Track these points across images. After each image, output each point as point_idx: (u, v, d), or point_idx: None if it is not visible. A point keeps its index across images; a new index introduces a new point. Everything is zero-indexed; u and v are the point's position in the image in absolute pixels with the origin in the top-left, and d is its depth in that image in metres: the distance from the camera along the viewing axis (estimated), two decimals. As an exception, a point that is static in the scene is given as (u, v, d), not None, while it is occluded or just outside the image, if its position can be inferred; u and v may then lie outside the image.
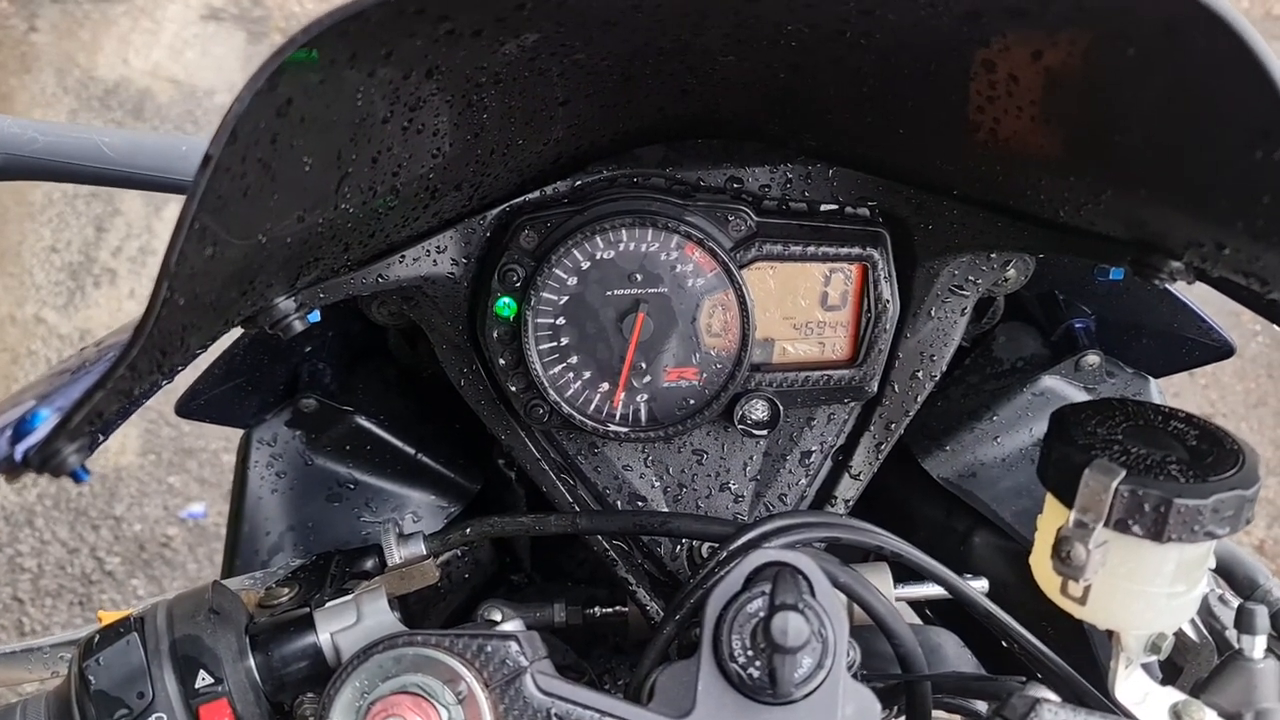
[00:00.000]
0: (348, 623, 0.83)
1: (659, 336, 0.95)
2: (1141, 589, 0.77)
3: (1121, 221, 0.77)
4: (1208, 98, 0.56)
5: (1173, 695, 0.81)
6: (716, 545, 0.90)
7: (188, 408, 1.11)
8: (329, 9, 0.51)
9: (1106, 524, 0.75)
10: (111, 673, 0.77)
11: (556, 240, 0.92)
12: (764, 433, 1.00)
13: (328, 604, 0.85)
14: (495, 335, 0.95)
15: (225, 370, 1.09)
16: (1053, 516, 0.80)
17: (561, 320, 0.94)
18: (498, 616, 1.01)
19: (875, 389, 1.01)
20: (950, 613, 1.21)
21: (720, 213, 0.94)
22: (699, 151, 0.97)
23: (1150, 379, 1.20)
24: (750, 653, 0.70)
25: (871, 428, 1.03)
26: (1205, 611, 0.96)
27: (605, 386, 0.97)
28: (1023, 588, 0.93)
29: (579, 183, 0.95)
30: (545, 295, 0.93)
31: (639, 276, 0.93)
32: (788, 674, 0.69)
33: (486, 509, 1.21)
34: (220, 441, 3.37)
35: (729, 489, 1.04)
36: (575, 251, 0.92)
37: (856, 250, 0.95)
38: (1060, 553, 0.76)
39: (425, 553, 0.95)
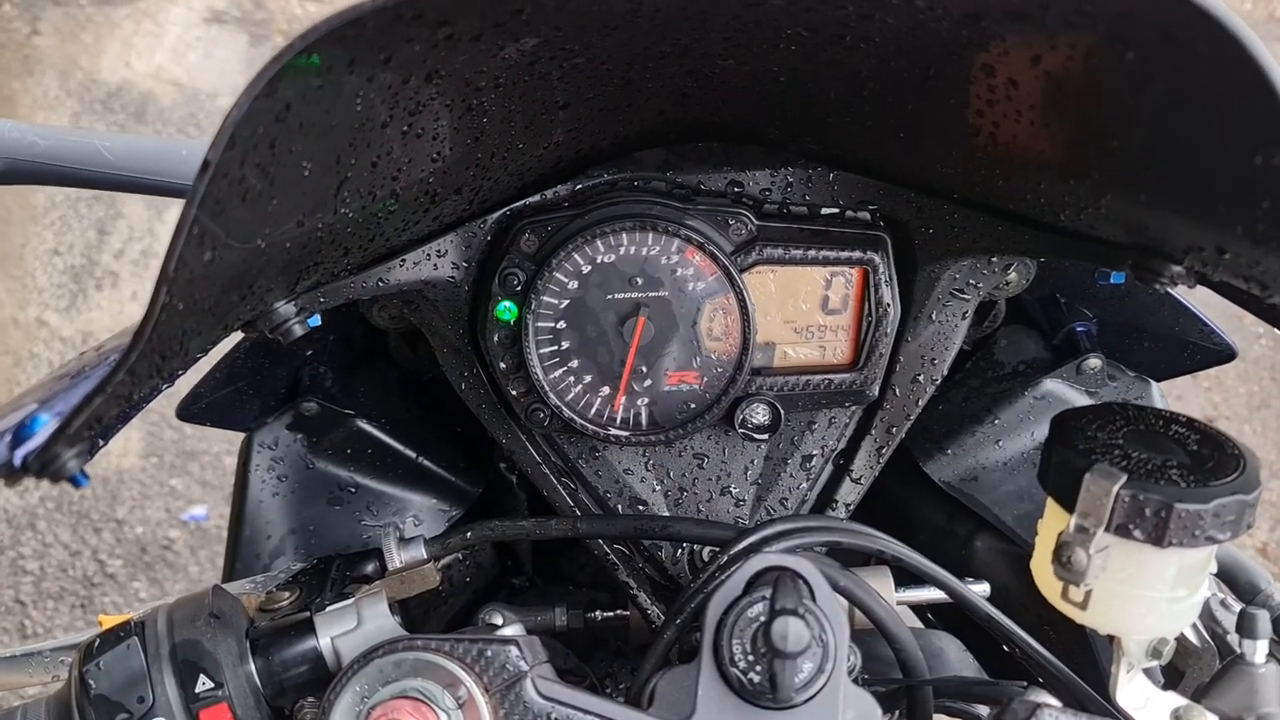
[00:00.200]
0: (348, 627, 0.83)
1: (660, 340, 0.95)
2: (1143, 594, 0.77)
3: (1122, 226, 0.77)
4: (1208, 102, 0.56)
5: (1174, 700, 0.81)
6: (717, 549, 0.89)
7: (189, 411, 1.12)
8: (327, 14, 0.51)
9: (1107, 529, 0.75)
10: (112, 677, 0.77)
11: (557, 244, 0.92)
12: (765, 437, 1.00)
13: (328, 608, 0.85)
14: (496, 339, 0.95)
15: (226, 374, 1.09)
16: (1053, 521, 0.80)
17: (562, 324, 0.94)
18: (499, 620, 1.01)
19: (876, 393, 1.01)
20: (952, 617, 1.20)
21: (721, 216, 0.94)
22: (699, 155, 0.97)
23: (1152, 382, 1.20)
24: (751, 657, 0.70)
25: (872, 431, 1.03)
26: (1207, 616, 0.96)
27: (606, 390, 0.97)
28: (1024, 592, 0.93)
29: (579, 186, 0.95)
30: (546, 299, 0.93)
31: (640, 280, 0.93)
32: (788, 679, 0.69)
33: (487, 513, 1.21)
34: (222, 444, 3.37)
35: (730, 493, 1.04)
36: (576, 255, 0.92)
37: (857, 254, 0.95)
38: (1061, 557, 0.76)
39: (426, 556, 0.95)
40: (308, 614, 0.85)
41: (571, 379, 0.96)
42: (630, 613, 1.09)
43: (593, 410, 0.97)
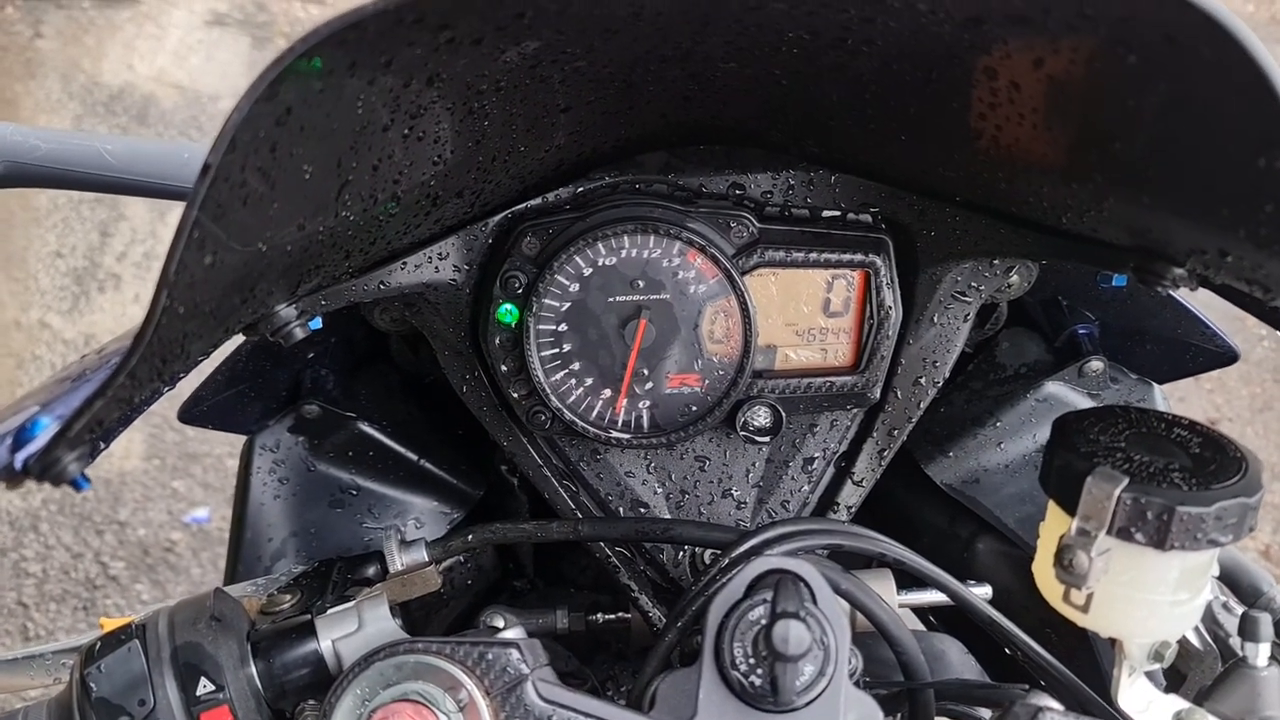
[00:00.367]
0: (349, 630, 0.83)
1: (661, 343, 0.95)
2: (1144, 597, 0.77)
3: (1124, 228, 0.77)
4: (1210, 106, 0.56)
5: (1176, 703, 0.81)
6: (719, 552, 0.89)
7: (190, 414, 1.12)
8: (327, 18, 0.51)
9: (1109, 532, 0.74)
10: (113, 680, 0.77)
11: (559, 247, 0.92)
12: (766, 439, 1.00)
13: (329, 611, 0.85)
14: (497, 341, 0.95)
15: (228, 376, 1.09)
16: (1055, 524, 0.80)
17: (563, 327, 0.94)
18: (500, 623, 1.01)
19: (878, 395, 1.01)
20: (954, 619, 1.20)
21: (722, 219, 0.94)
22: (701, 158, 0.97)
23: (1154, 385, 1.20)
24: (752, 660, 0.70)
25: (874, 434, 1.03)
26: (1209, 619, 0.96)
27: (607, 393, 0.96)
28: (1026, 594, 0.92)
29: (581, 189, 0.95)
30: (547, 302, 0.93)
31: (641, 283, 0.93)
32: (789, 682, 0.69)
33: (489, 515, 1.21)
34: (225, 446, 3.37)
35: (731, 495, 1.04)
36: (577, 258, 0.92)
37: (859, 256, 0.95)
38: (1063, 560, 0.76)
39: (427, 559, 0.95)
40: (309, 617, 0.85)
41: (573, 381, 0.96)
42: (631, 615, 1.09)
43: (594, 413, 0.97)
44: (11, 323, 3.78)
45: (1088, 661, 1.06)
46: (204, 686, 0.77)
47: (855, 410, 1.03)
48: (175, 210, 0.56)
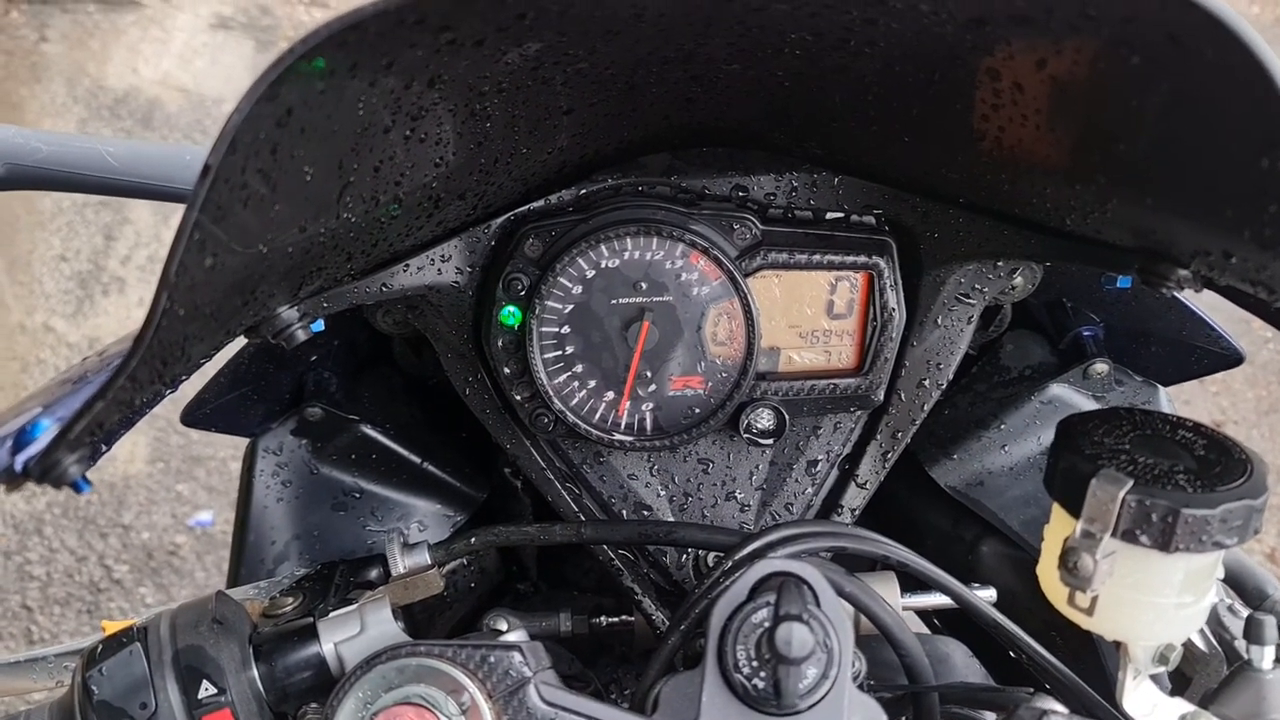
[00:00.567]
0: (351, 633, 0.83)
1: (664, 345, 0.95)
2: (1149, 599, 0.77)
3: (1128, 230, 0.76)
4: (1214, 106, 0.56)
5: (1181, 706, 0.81)
6: (722, 555, 0.89)
7: (193, 417, 1.12)
8: (327, 19, 0.51)
9: (1114, 534, 0.74)
10: (114, 683, 0.77)
11: (561, 249, 0.92)
12: (770, 442, 1.00)
13: (331, 614, 0.85)
14: (500, 344, 0.95)
15: (231, 379, 1.09)
16: (1059, 526, 0.80)
17: (566, 329, 0.94)
18: (503, 626, 1.01)
19: (881, 398, 1.01)
20: (958, 622, 1.20)
21: (725, 221, 0.94)
22: (704, 160, 0.96)
23: (1159, 387, 1.19)
24: (755, 663, 0.70)
25: (878, 436, 1.03)
26: (1214, 622, 0.96)
27: (610, 395, 0.96)
28: (1031, 597, 0.92)
29: (584, 191, 0.95)
30: (550, 304, 0.93)
31: (644, 285, 0.93)
32: (792, 685, 0.69)
33: (492, 518, 1.20)
34: (228, 449, 3.38)
35: (735, 498, 1.04)
36: (580, 260, 0.92)
37: (862, 258, 0.95)
38: (1067, 563, 0.76)
39: (430, 562, 0.95)
40: (311, 620, 0.85)
41: (576, 384, 0.96)
42: (635, 618, 1.09)
43: (597, 415, 0.97)
44: (16, 326, 3.78)
45: (1093, 665, 1.06)
46: (206, 689, 0.77)
47: (859, 412, 1.03)
48: (179, 213, 0.56)
